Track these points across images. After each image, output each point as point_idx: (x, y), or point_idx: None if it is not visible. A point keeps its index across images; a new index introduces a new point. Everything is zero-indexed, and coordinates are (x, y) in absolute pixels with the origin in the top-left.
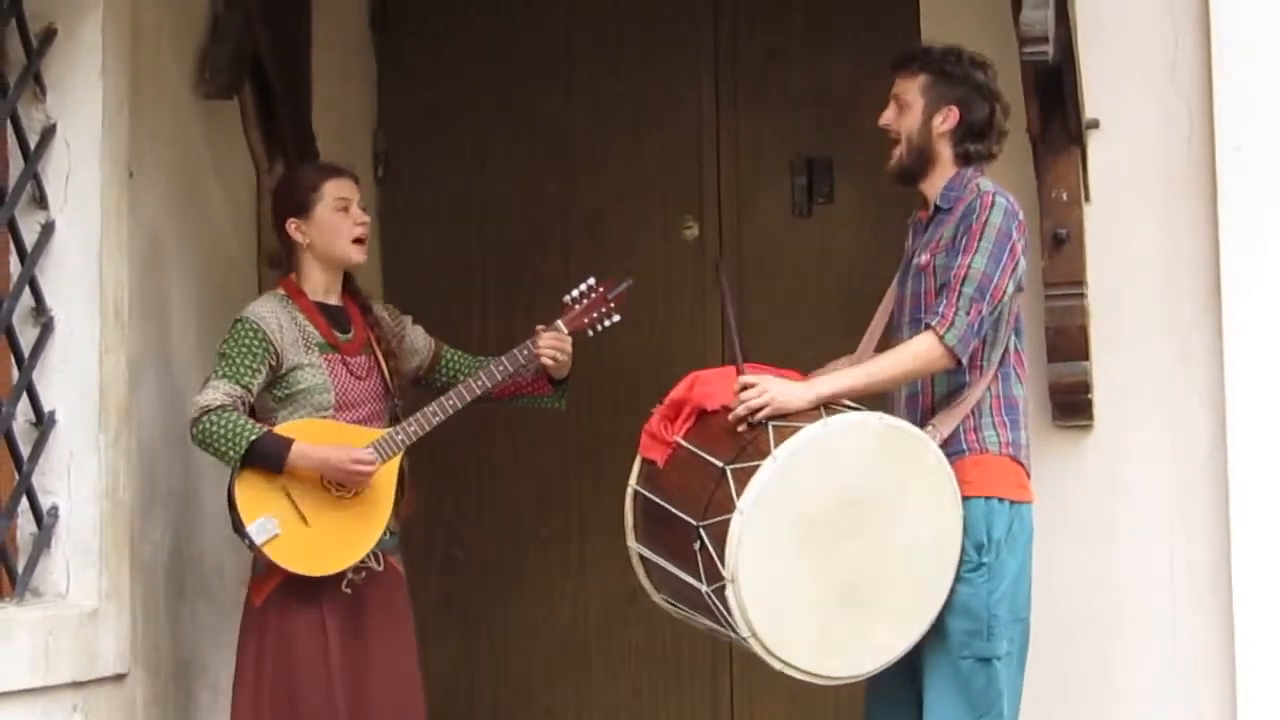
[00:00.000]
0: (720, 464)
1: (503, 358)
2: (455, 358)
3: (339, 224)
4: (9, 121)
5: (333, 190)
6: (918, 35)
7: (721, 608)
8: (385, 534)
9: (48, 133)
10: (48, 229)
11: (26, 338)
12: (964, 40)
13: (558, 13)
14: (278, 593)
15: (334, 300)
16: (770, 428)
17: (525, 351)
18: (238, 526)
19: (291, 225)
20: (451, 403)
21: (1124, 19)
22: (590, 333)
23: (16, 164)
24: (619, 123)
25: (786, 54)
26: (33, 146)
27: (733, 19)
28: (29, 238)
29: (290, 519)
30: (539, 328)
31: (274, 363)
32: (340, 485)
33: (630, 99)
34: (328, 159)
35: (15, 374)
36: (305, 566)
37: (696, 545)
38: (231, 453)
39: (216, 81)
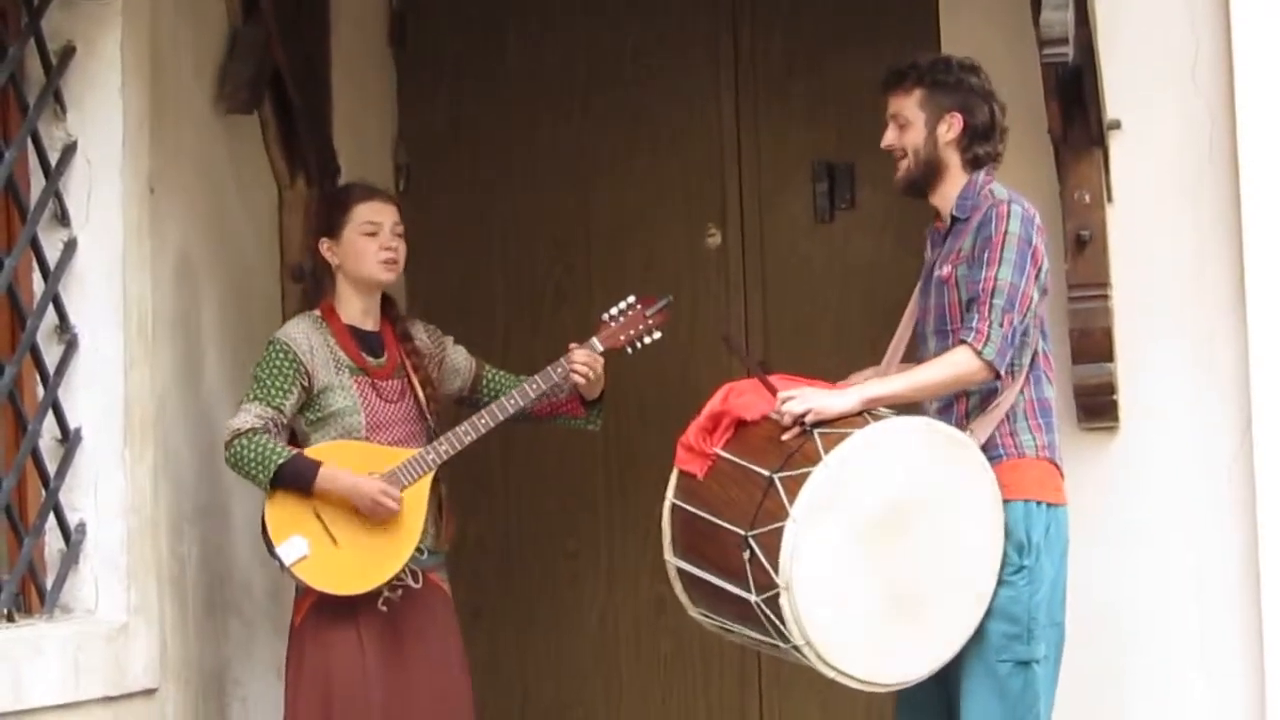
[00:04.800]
0: (767, 473)
1: (536, 376)
2: (497, 376)
3: (365, 247)
4: (29, 139)
5: (363, 214)
6: (937, 40)
7: (774, 617)
8: (421, 552)
9: (68, 150)
10: (70, 246)
11: (51, 355)
12: (984, 43)
13: (576, 24)
14: (313, 611)
15: (370, 324)
16: (816, 435)
17: (559, 370)
18: (270, 548)
19: (323, 245)
20: (484, 421)
21: (1144, 19)
22: (629, 350)
23: (38, 182)
24: (640, 132)
25: (806, 61)
26: (54, 164)
27: (752, 26)
28: (51, 255)
29: (320, 539)
30: (572, 345)
31: (305, 383)
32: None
33: (651, 108)
34: (351, 174)
35: (41, 391)
36: (334, 586)
37: (746, 555)
38: (261, 476)
39: (236, 97)
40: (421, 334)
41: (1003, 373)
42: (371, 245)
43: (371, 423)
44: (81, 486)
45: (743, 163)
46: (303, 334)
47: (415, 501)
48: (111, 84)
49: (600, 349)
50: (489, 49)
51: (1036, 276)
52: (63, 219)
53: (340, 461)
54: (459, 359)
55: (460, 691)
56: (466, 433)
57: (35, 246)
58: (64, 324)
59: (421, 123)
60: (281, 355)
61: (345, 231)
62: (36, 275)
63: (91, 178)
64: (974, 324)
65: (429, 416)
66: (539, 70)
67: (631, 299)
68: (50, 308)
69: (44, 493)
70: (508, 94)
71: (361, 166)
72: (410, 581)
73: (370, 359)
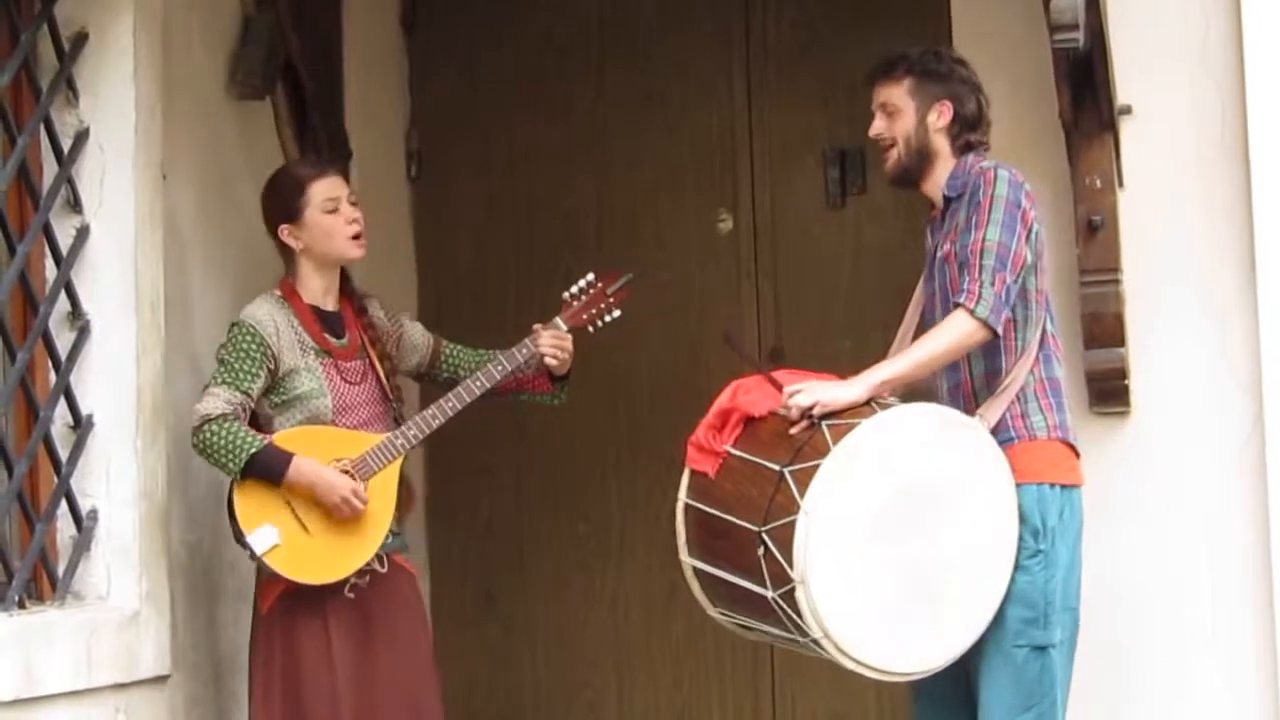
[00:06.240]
0: (777, 467)
1: (501, 356)
2: (456, 352)
3: (331, 225)
4: (42, 126)
5: (320, 191)
6: (948, 24)
7: (791, 612)
8: (387, 537)
9: (81, 137)
10: (82, 233)
11: (63, 341)
12: (994, 28)
13: (588, 9)
14: (282, 600)
15: (331, 304)
16: (824, 427)
17: (524, 350)
18: (238, 536)
19: (284, 231)
20: (451, 404)
21: (1154, 3)
22: (590, 329)
23: (50, 168)
24: (651, 118)
25: (818, 45)
26: (66, 151)
27: (763, 10)
28: (64, 242)
29: (291, 528)
30: (536, 326)
31: (272, 366)
32: None
33: (662, 94)
34: (363, 160)
35: (53, 378)
36: (307, 575)
37: (760, 551)
38: (232, 465)
39: (248, 83)
40: (378, 311)
41: (1000, 331)
42: (338, 222)
43: (337, 405)
44: (93, 473)
45: (754, 147)
46: (268, 315)
47: (384, 488)
48: (124, 71)
49: (564, 328)
50: (501, 32)
51: (1027, 238)
52: (75, 206)
53: (309, 448)
54: (416, 335)
55: (427, 673)
56: (434, 416)
57: (47, 233)
58: (76, 311)
59: (434, 106)
60: (249, 338)
61: (306, 213)
62: (49, 262)
63: (104, 164)
64: (966, 286)
65: (390, 394)
66: (551, 52)
67: (591, 276)
68: (62, 294)
69: (56, 479)
70: (520, 77)
71: (374, 152)
72: (376, 566)
73: (333, 340)
